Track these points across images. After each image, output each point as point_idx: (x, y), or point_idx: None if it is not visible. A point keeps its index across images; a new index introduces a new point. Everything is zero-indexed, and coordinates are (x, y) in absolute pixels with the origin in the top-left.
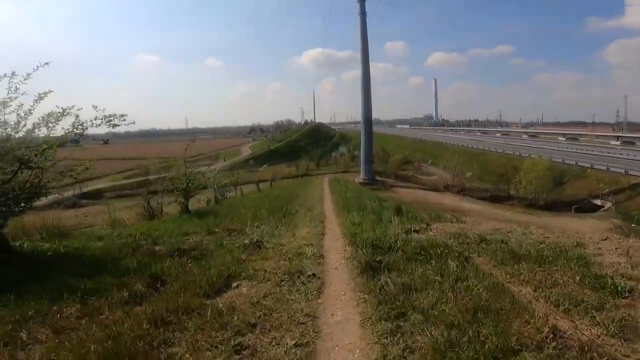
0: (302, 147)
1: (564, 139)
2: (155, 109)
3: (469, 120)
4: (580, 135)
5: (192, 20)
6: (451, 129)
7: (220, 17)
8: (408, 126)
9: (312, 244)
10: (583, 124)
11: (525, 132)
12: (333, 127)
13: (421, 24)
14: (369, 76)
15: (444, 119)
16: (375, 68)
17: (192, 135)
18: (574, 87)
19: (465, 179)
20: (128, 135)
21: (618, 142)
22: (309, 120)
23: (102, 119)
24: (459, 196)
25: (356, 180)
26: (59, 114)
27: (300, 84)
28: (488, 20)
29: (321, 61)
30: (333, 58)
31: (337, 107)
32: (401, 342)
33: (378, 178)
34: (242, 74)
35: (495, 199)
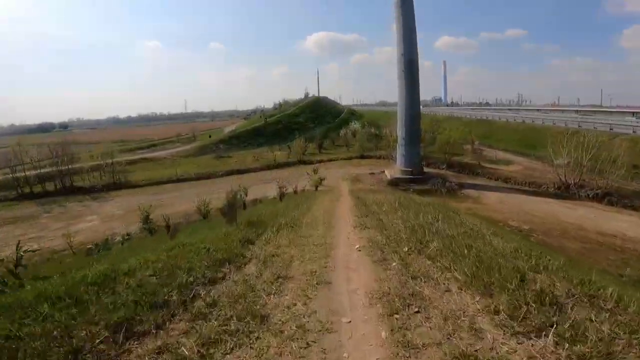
0: (300, 123)
1: (634, 118)
2: (157, 93)
3: (480, 102)
4: None
5: (195, 5)
6: (472, 108)
7: (222, 1)
8: (422, 107)
9: None
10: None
11: (576, 111)
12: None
13: (428, 7)
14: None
15: (452, 102)
16: (381, 52)
17: (190, 119)
18: (587, 71)
19: (557, 167)
20: (130, 120)
21: None
22: (310, 94)
23: None
24: (629, 212)
25: (387, 174)
26: None
27: (305, 68)
28: (498, 3)
29: (326, 45)
30: (338, 41)
31: (342, 92)
32: None
33: (427, 169)
34: (245, 58)
35: None
